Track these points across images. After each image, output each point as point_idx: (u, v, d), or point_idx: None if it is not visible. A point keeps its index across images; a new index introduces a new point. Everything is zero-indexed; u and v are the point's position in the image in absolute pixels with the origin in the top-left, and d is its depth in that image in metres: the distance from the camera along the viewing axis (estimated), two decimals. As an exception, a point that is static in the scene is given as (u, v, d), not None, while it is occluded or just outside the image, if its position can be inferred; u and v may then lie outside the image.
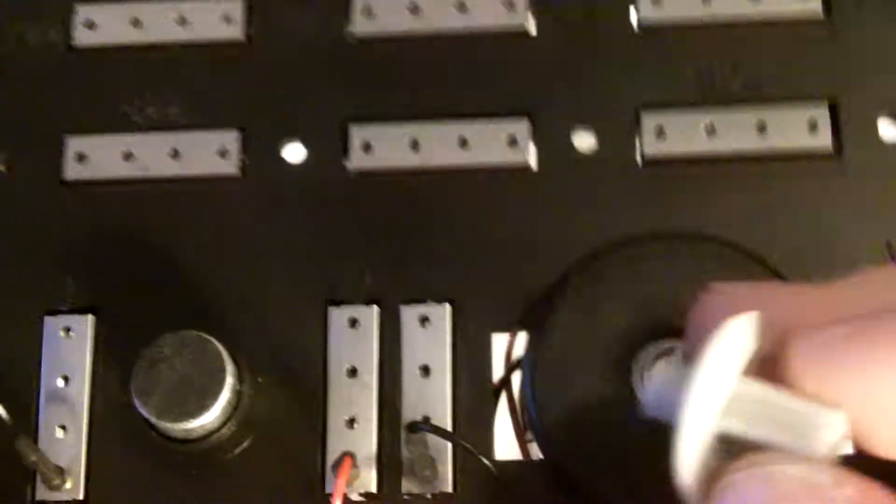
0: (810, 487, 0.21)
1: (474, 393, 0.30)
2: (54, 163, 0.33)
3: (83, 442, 0.31)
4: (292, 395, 0.31)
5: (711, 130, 0.32)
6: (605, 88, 0.32)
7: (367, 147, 0.32)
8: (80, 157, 0.33)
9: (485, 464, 0.29)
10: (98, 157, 0.33)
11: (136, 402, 0.28)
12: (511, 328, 0.31)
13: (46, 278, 0.32)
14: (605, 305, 0.29)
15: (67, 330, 0.32)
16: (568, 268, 0.31)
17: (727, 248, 0.30)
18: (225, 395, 0.29)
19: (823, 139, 0.31)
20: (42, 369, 0.31)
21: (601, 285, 0.29)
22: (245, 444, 0.30)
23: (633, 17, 0.33)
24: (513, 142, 0.32)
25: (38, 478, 0.30)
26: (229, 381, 0.29)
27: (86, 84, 0.34)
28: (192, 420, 0.28)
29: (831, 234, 0.31)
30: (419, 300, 0.31)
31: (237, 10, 0.34)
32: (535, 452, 0.30)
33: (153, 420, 0.28)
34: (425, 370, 0.30)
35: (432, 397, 0.30)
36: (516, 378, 0.31)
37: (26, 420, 0.31)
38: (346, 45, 0.34)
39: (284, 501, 0.30)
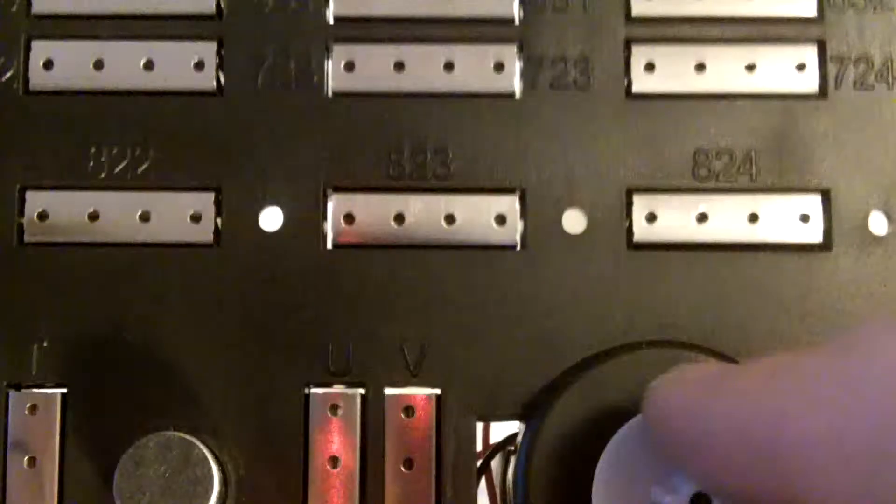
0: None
1: (458, 484, 0.30)
2: (12, 221, 0.31)
3: (53, 532, 0.30)
4: (274, 488, 0.30)
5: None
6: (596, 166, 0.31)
7: (348, 218, 0.31)
8: (42, 216, 0.31)
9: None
10: (61, 216, 0.31)
11: (120, 509, 0.28)
12: (497, 417, 0.31)
13: (9, 348, 0.31)
14: (606, 407, 0.29)
15: (34, 407, 0.30)
16: (560, 358, 0.30)
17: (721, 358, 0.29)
18: (212, 502, 0.28)
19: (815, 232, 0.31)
20: (6, 449, 0.30)
21: (607, 385, 0.29)
22: (226, 540, 0.30)
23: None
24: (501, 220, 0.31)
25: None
26: (216, 488, 0.28)
27: (45, 133, 0.32)
28: (178, 529, 0.28)
29: (819, 329, 0.31)
30: (404, 385, 0.30)
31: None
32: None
33: (138, 528, 0.28)
34: (409, 463, 0.30)
35: (416, 491, 0.30)
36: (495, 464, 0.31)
37: (-7, 503, 0.30)
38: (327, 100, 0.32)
39: None
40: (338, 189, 0.31)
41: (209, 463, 0.28)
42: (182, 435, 0.28)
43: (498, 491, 0.32)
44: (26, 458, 0.30)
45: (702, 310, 0.31)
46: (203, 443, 0.28)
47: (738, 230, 0.31)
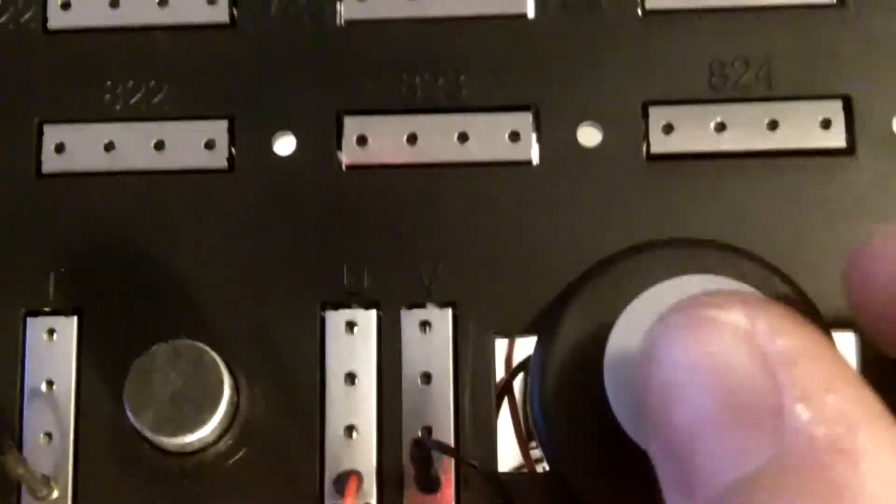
0: (744, 337, 0.20)
1: (477, 400, 0.29)
2: (30, 154, 0.32)
3: (70, 450, 0.30)
4: (288, 404, 0.30)
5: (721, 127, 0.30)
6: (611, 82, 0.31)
7: (361, 140, 0.31)
8: (59, 148, 0.32)
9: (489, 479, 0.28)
10: (78, 147, 0.32)
11: (130, 416, 0.27)
12: (514, 332, 0.30)
13: (27, 277, 0.31)
14: (614, 313, 0.28)
15: (51, 332, 0.30)
16: (576, 273, 0.29)
17: (734, 254, 0.29)
18: (223, 408, 0.27)
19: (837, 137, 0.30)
20: (24, 373, 0.30)
21: (613, 293, 0.28)
22: (240, 456, 0.29)
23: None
24: (515, 136, 0.31)
25: (24, 488, 0.29)
26: (227, 393, 0.28)
27: (63, 70, 0.32)
28: (188, 434, 0.27)
29: (844, 234, 0.30)
30: (420, 304, 0.30)
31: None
32: (538, 461, 0.30)
33: (148, 434, 0.27)
34: (426, 377, 0.29)
35: (434, 406, 0.29)
36: (517, 385, 0.31)
37: (9, 427, 0.30)
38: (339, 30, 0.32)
39: (282, 516, 0.29)
40: (350, 112, 0.31)
41: (220, 367, 0.27)
42: (193, 342, 0.28)
43: (522, 414, 0.31)
44: (44, 382, 0.30)
45: (722, 219, 0.30)
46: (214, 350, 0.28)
47: (757, 138, 0.30)
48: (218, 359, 0.27)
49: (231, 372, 0.28)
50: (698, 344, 0.21)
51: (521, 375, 0.31)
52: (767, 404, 0.20)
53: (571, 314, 0.29)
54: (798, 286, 0.28)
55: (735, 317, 0.21)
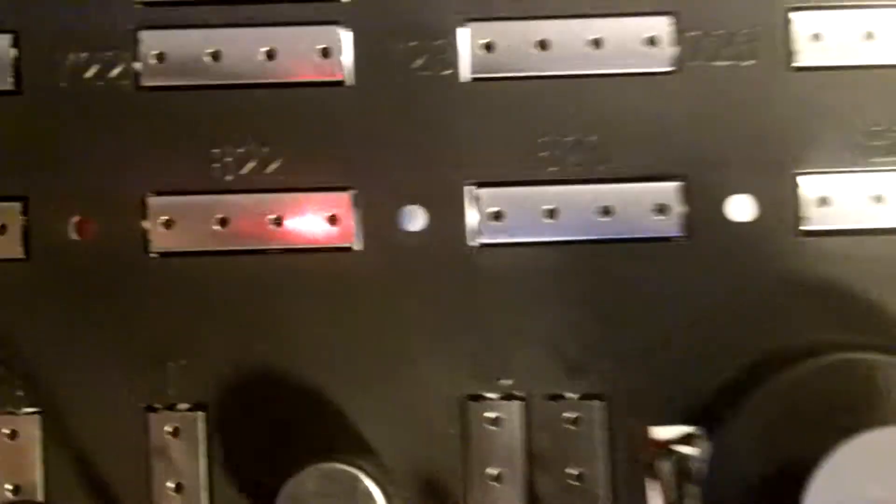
0: None
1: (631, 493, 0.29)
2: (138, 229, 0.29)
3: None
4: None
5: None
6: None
7: (496, 214, 0.29)
8: (168, 224, 0.29)
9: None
10: (187, 224, 0.29)
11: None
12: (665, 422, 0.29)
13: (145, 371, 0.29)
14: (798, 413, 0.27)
15: (176, 430, 0.29)
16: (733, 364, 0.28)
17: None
18: (382, 538, 0.26)
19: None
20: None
21: (792, 392, 0.27)
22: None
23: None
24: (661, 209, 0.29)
25: None
26: (383, 521, 0.26)
27: (164, 134, 0.30)
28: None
29: None
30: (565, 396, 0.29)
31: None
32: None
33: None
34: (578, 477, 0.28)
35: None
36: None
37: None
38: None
39: None
40: (482, 185, 0.29)
41: (373, 496, 0.26)
42: (345, 467, 0.26)
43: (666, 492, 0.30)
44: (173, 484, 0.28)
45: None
46: (362, 470, 0.27)
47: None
48: (373, 487, 0.26)
49: (382, 488, 0.27)
50: None
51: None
52: None
53: (754, 406, 0.27)
54: None
55: None
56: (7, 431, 0.29)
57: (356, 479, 0.26)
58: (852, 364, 0.27)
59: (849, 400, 0.27)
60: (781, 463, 0.26)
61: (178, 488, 0.29)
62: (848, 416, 0.27)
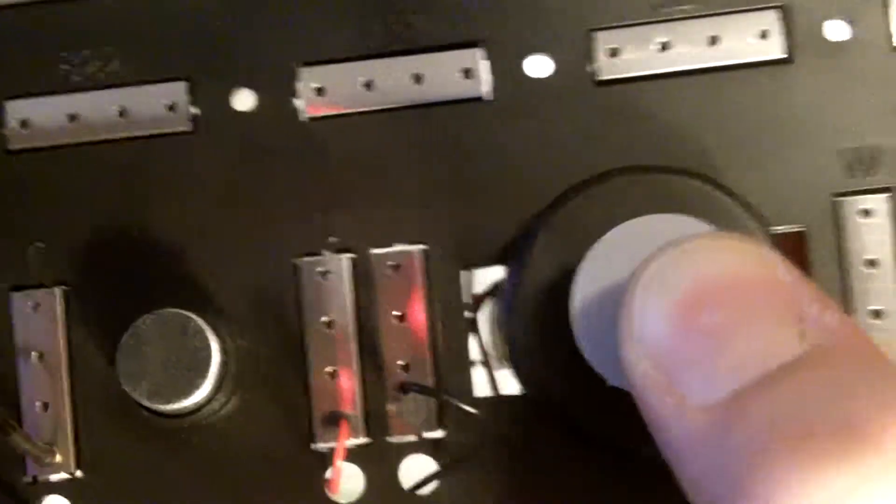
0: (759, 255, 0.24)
1: (450, 334, 0.31)
2: (-4, 131, 0.32)
3: (67, 417, 0.31)
4: (273, 354, 0.31)
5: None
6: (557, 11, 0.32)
7: (319, 91, 0.32)
8: (23, 123, 0.32)
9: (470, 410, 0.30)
10: (42, 121, 0.32)
11: (126, 388, 0.29)
12: (479, 265, 0.31)
13: (5, 254, 0.32)
14: (583, 241, 0.29)
15: (37, 306, 0.31)
16: (534, 206, 0.31)
17: (698, 182, 0.30)
18: (213, 371, 0.29)
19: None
20: (16, 347, 0.31)
21: (583, 223, 0.29)
22: (232, 408, 0.31)
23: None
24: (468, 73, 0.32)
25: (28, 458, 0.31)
26: (216, 357, 0.29)
27: (17, 44, 0.33)
28: (184, 400, 0.29)
29: (786, 143, 0.31)
30: (389, 244, 0.31)
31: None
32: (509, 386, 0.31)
33: (145, 403, 0.29)
34: (401, 317, 0.31)
35: (411, 342, 0.31)
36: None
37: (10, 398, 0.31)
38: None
39: (275, 460, 0.31)
40: (307, 63, 0.32)
41: (205, 333, 0.29)
42: (176, 310, 0.29)
43: (488, 338, 0.32)
44: (34, 354, 0.31)
45: (674, 137, 0.31)
46: (199, 317, 0.29)
47: (700, 55, 0.31)
48: (202, 324, 0.29)
49: (217, 332, 0.29)
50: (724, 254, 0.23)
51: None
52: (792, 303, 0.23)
53: (540, 243, 0.30)
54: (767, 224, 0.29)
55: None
56: None
57: (187, 319, 0.29)
58: (634, 182, 0.30)
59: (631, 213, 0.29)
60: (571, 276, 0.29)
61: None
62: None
